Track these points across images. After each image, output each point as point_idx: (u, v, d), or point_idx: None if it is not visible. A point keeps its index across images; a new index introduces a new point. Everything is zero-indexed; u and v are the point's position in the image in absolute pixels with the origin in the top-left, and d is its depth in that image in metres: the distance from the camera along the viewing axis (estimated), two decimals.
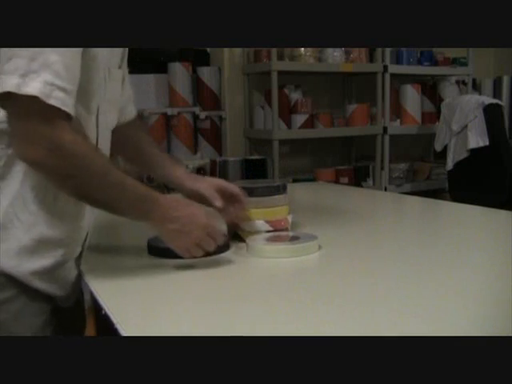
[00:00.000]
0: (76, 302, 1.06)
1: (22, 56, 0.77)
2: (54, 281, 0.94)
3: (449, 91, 3.62)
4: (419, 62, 3.43)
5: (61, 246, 0.94)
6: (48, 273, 0.93)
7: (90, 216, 1.01)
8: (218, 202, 1.11)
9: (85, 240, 1.01)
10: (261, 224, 1.16)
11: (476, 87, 3.80)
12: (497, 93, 3.81)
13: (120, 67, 1.02)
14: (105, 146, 1.00)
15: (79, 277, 1.00)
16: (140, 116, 1.29)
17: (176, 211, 0.94)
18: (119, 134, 1.09)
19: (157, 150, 1.21)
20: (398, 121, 3.43)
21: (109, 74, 0.95)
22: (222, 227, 1.07)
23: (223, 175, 2.93)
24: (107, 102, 0.97)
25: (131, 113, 1.19)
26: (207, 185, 1.14)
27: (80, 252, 1.01)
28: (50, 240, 0.92)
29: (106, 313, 0.79)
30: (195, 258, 0.98)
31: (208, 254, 1.06)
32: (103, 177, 0.87)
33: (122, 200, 0.90)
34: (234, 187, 1.15)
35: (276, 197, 1.18)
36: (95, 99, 0.92)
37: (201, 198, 1.12)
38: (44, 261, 0.91)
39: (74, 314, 1.06)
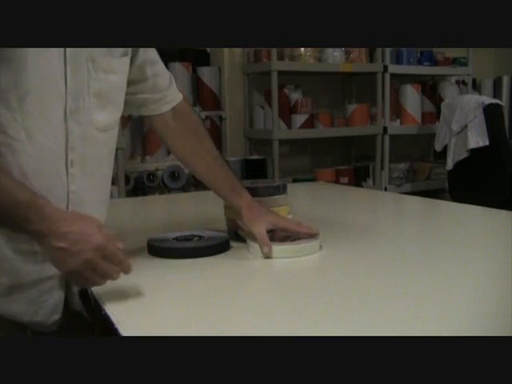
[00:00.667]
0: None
1: None
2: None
3: (449, 91, 3.62)
4: (419, 62, 3.44)
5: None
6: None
7: None
8: (265, 249, 1.05)
9: None
10: None
11: (476, 87, 3.80)
12: (497, 93, 3.81)
13: (115, 55, 0.94)
14: (90, 148, 0.92)
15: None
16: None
17: (65, 226, 0.78)
18: (170, 132, 1.05)
19: (224, 165, 1.15)
20: (398, 121, 3.43)
21: (93, 65, 0.89)
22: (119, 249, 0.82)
23: None
24: (93, 97, 0.90)
25: (173, 100, 1.12)
26: (261, 225, 1.08)
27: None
28: None
29: (105, 313, 0.79)
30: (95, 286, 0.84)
31: (208, 253, 1.06)
32: None
33: None
34: (288, 225, 1.11)
35: (276, 197, 1.18)
36: (22, 97, 0.82)
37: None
38: None
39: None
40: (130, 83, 1.01)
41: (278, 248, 1.07)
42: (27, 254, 0.87)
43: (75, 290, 0.93)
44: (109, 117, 0.95)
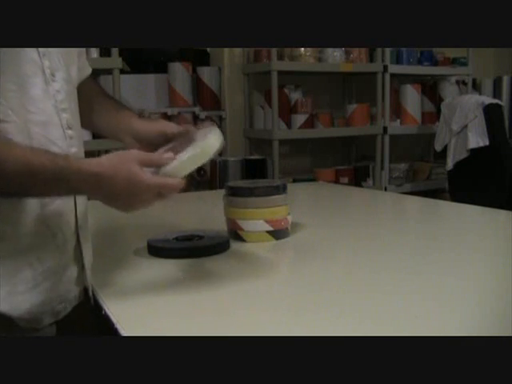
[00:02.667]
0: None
1: None
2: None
3: (449, 91, 3.62)
4: (419, 62, 3.43)
5: None
6: None
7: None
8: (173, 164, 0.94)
9: None
10: (261, 224, 1.16)
11: (476, 87, 3.79)
12: (497, 93, 3.81)
13: None
14: (74, 103, 0.90)
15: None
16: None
17: (110, 180, 0.79)
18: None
19: (106, 97, 1.10)
20: (398, 121, 3.43)
21: None
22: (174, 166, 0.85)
23: (223, 175, 2.94)
24: (59, 54, 0.88)
25: (86, 71, 1.07)
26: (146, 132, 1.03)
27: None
28: None
29: (105, 313, 0.80)
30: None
31: (208, 253, 1.06)
32: None
33: (36, 186, 0.76)
34: (174, 127, 1.03)
35: (276, 197, 1.18)
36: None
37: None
38: None
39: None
40: None
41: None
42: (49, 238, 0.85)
43: (87, 265, 0.92)
44: (76, 72, 0.94)
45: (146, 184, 0.81)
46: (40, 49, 0.83)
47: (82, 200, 0.91)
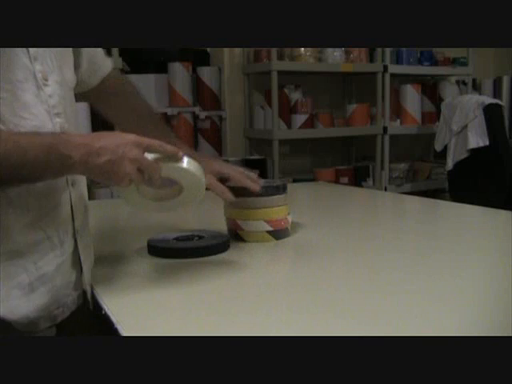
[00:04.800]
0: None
1: None
2: None
3: (449, 91, 3.62)
4: (419, 62, 3.44)
5: None
6: None
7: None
8: (227, 195, 1.03)
9: None
10: (261, 224, 1.16)
11: (476, 87, 3.80)
12: (497, 93, 3.81)
13: None
14: (69, 107, 0.89)
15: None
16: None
17: (97, 142, 0.77)
18: (104, 95, 1.03)
19: (153, 122, 1.16)
20: (398, 121, 3.43)
21: None
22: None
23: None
24: (54, 56, 0.87)
25: (107, 66, 1.11)
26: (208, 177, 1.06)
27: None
28: None
29: (105, 313, 0.80)
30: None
31: (208, 253, 1.06)
32: None
33: (26, 165, 0.74)
34: (231, 170, 1.10)
35: (276, 197, 1.18)
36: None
37: None
38: None
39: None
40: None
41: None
42: (43, 241, 0.83)
43: (86, 270, 0.91)
44: (72, 74, 0.94)
45: (133, 141, 0.79)
46: (31, 53, 0.82)
47: (79, 204, 0.90)
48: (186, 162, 0.82)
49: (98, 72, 1.11)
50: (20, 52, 0.82)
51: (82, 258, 0.90)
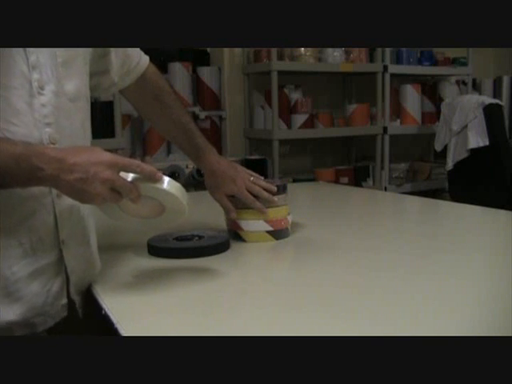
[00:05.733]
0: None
1: None
2: None
3: (449, 91, 3.62)
4: (419, 62, 3.44)
5: None
6: None
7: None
8: (232, 215, 1.16)
9: None
10: (261, 224, 1.16)
11: (476, 87, 3.79)
12: (497, 93, 3.81)
13: None
14: (65, 119, 0.87)
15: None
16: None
17: (71, 158, 0.76)
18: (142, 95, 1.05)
19: (193, 125, 1.20)
20: (398, 121, 3.43)
21: None
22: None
23: None
24: (60, 66, 0.87)
25: (142, 64, 1.13)
26: (220, 198, 1.18)
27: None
28: None
29: (105, 313, 0.80)
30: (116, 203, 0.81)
31: (208, 253, 1.06)
32: None
33: None
34: (244, 198, 1.16)
35: (276, 197, 1.18)
36: None
37: None
38: None
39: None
40: (95, 74, 1.02)
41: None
42: (15, 247, 0.82)
43: (74, 277, 0.90)
44: (77, 86, 0.92)
45: (107, 161, 0.78)
46: (30, 61, 0.82)
47: (68, 215, 0.88)
48: (165, 183, 0.82)
49: (131, 73, 1.12)
50: (19, 59, 0.81)
51: (68, 268, 0.88)
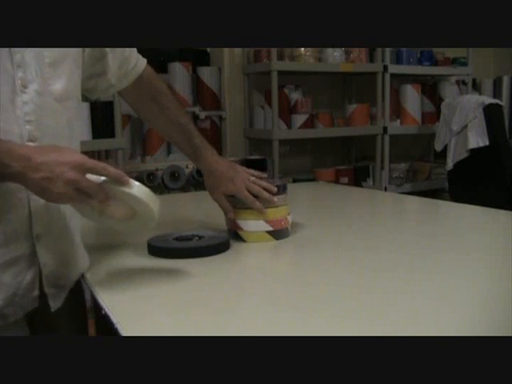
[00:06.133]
0: (74, 302, 1.05)
1: None
2: None
3: (449, 91, 3.62)
4: (419, 62, 3.44)
5: None
6: None
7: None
8: (230, 215, 1.16)
9: None
10: (261, 224, 1.16)
11: (476, 87, 3.80)
12: (497, 93, 3.81)
13: None
14: (47, 118, 0.89)
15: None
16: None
17: (39, 157, 0.77)
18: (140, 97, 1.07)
19: (191, 126, 1.21)
20: (398, 121, 3.43)
21: None
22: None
23: None
24: (47, 66, 0.88)
25: (139, 66, 1.15)
26: (218, 198, 1.18)
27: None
28: None
29: (105, 313, 0.80)
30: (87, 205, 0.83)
31: (208, 253, 1.06)
32: None
33: None
34: (244, 199, 1.16)
35: (276, 197, 1.18)
36: None
37: None
38: None
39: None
40: (91, 77, 1.04)
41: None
42: None
43: (46, 270, 0.92)
44: (64, 86, 0.93)
45: (74, 162, 0.78)
46: (14, 60, 0.83)
47: (45, 211, 0.89)
48: (133, 187, 0.83)
49: (129, 75, 1.13)
50: (4, 57, 0.82)
51: (41, 262, 0.90)
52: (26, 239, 0.88)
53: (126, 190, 0.82)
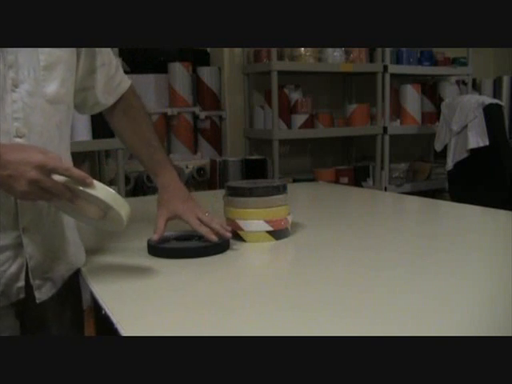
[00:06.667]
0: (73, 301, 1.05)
1: None
2: None
3: (449, 91, 3.62)
4: (419, 62, 3.44)
5: None
6: None
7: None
8: (154, 236, 1.11)
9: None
10: (261, 224, 1.16)
11: (476, 87, 3.80)
12: (497, 93, 3.81)
13: None
14: (37, 117, 0.91)
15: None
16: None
17: (6, 155, 0.80)
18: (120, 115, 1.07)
19: (157, 143, 1.20)
20: (398, 121, 3.43)
21: None
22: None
23: (223, 175, 2.94)
24: (42, 69, 0.90)
25: (123, 85, 1.16)
26: (163, 212, 1.15)
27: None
28: None
29: (105, 313, 0.80)
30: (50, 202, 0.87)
31: (208, 253, 1.06)
32: None
33: None
34: (188, 218, 1.14)
35: (276, 197, 1.18)
36: None
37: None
38: None
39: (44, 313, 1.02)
40: (83, 90, 1.07)
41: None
42: None
43: (32, 262, 0.94)
44: (57, 90, 0.95)
45: (37, 161, 0.80)
46: (6, 60, 0.86)
47: (32, 205, 0.92)
48: (96, 189, 0.84)
49: (112, 93, 1.14)
50: None
51: (27, 254, 0.92)
52: (12, 230, 0.91)
53: (89, 191, 0.83)
